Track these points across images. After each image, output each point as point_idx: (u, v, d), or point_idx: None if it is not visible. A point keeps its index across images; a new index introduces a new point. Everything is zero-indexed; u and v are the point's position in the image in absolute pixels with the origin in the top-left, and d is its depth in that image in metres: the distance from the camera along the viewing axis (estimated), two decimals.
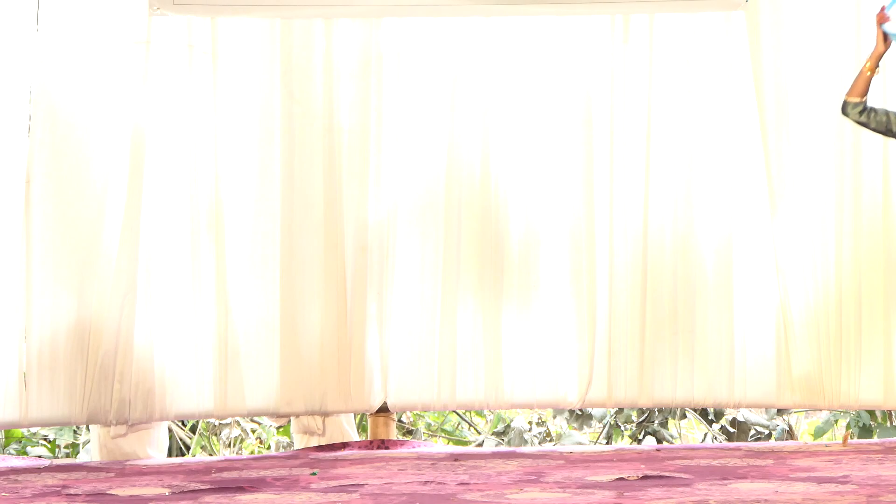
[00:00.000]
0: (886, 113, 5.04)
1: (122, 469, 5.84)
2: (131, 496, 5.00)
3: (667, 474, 5.20)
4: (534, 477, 5.23)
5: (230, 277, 6.32)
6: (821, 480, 4.94)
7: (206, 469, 5.73)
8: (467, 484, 5.05)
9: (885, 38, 5.04)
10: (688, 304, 6.42)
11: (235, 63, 6.35)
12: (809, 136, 6.35)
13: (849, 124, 6.26)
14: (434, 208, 6.43)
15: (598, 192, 6.41)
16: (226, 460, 6.17)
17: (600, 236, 6.41)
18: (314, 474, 5.43)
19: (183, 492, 5.06)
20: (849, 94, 5.03)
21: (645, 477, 5.13)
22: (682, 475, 5.17)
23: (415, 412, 8.00)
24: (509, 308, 6.44)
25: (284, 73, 6.36)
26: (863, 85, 5.00)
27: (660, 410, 7.90)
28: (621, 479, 5.10)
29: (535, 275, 6.44)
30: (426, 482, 5.12)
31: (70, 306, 6.17)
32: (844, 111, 5.04)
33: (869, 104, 5.02)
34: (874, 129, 5.06)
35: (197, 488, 5.14)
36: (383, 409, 6.52)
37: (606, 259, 6.42)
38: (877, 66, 5.04)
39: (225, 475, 5.50)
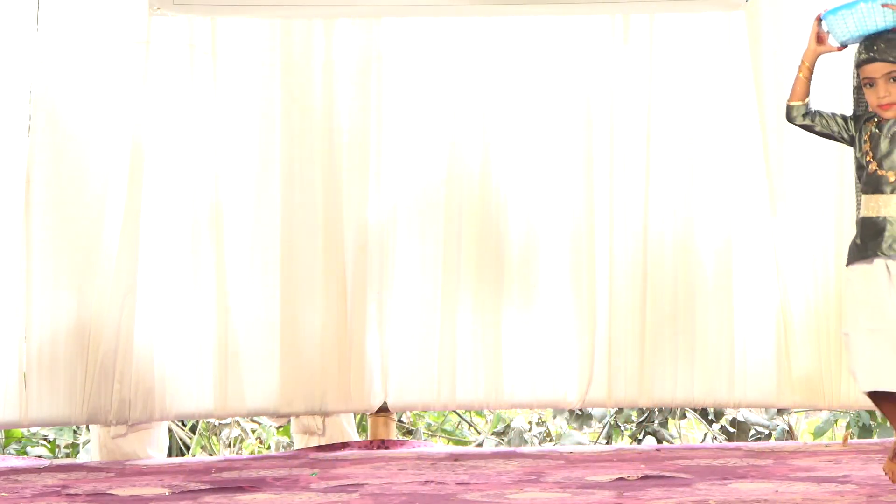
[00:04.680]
0: (833, 116, 5.00)
1: (122, 469, 5.84)
2: (131, 496, 5.00)
3: (667, 474, 5.20)
4: (534, 477, 5.23)
5: (230, 277, 6.32)
6: (821, 480, 4.94)
7: (206, 469, 5.73)
8: (467, 484, 5.05)
9: (819, 38, 4.98)
10: (688, 304, 6.42)
11: (235, 63, 6.35)
12: (809, 136, 6.33)
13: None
14: (434, 208, 6.42)
15: (597, 191, 6.41)
16: (226, 460, 6.17)
17: (600, 236, 6.41)
18: (314, 474, 5.43)
19: (183, 492, 5.06)
20: (790, 98, 4.97)
21: (645, 477, 5.13)
22: (682, 475, 5.17)
23: (415, 412, 8.00)
24: (509, 308, 6.44)
25: (284, 73, 6.36)
26: (801, 88, 4.94)
27: (660, 410, 7.90)
28: (621, 479, 5.10)
29: (535, 275, 6.44)
30: (426, 482, 5.12)
31: (70, 306, 6.16)
32: (789, 117, 5.00)
33: (812, 108, 4.95)
34: (819, 133, 5.02)
35: (197, 488, 5.13)
36: (383, 409, 6.52)
37: (606, 259, 6.41)
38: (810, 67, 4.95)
39: (225, 475, 5.50)
